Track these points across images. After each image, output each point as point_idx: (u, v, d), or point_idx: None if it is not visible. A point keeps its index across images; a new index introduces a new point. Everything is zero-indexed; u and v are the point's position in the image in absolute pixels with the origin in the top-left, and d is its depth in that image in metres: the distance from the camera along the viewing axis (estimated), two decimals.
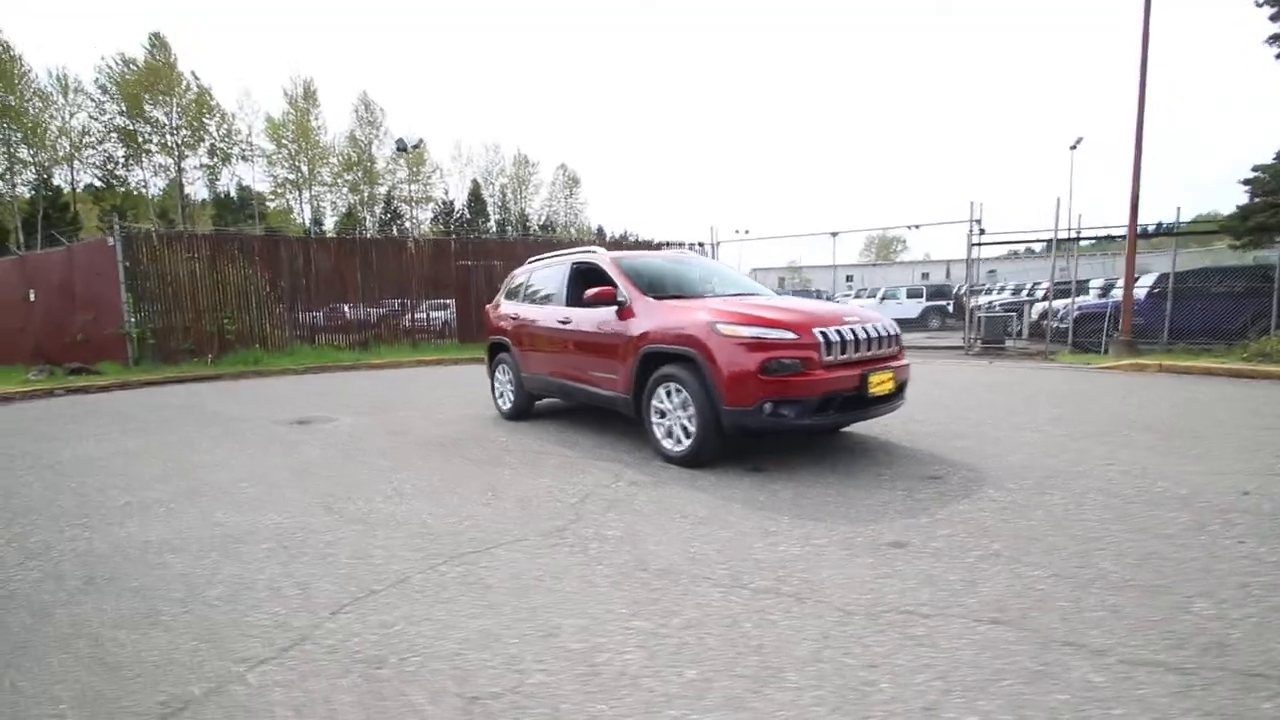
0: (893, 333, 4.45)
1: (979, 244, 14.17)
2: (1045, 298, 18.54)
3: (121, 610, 2.51)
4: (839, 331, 4.06)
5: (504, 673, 2.00)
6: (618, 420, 6.17)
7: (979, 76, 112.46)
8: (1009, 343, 14.30)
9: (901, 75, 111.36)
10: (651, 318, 4.63)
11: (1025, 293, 22.43)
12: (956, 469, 4.10)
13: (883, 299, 24.00)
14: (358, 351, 14.10)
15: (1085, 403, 6.70)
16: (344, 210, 52.85)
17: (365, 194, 53.32)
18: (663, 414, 4.52)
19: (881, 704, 1.77)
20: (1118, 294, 14.18)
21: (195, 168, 46.38)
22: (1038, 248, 22.15)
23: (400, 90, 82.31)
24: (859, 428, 5.37)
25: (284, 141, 47.81)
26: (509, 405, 6.50)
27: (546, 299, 6.02)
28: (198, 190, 49.13)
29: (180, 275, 12.40)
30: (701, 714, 1.77)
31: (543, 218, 65.39)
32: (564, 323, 5.56)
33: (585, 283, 5.77)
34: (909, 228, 15.21)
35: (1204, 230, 13.64)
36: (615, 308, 4.96)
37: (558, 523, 3.36)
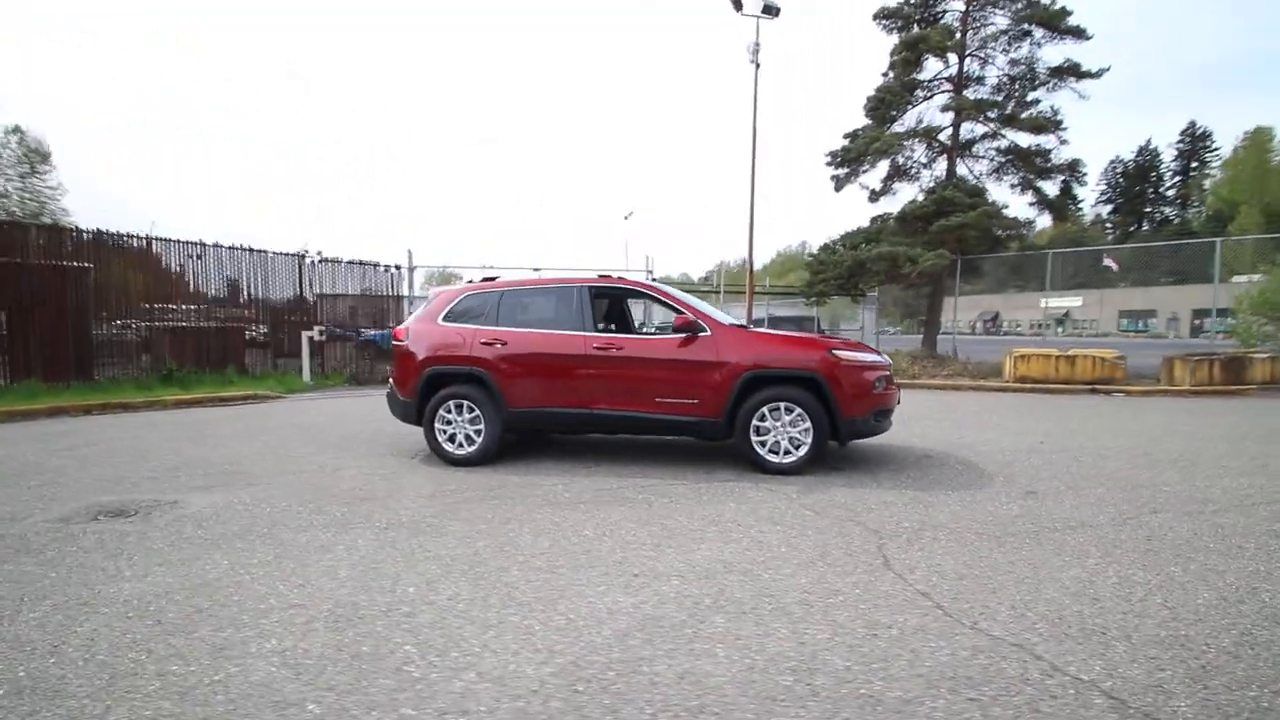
0: None
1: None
2: None
3: None
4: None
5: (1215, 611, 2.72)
6: (598, 446, 6.01)
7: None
8: None
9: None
10: (747, 345, 5.09)
11: None
12: (929, 452, 6.00)
13: None
14: None
15: None
16: None
17: None
18: (758, 431, 5.04)
19: (1184, 554, 3.30)
20: None
21: None
22: None
23: None
24: None
25: None
26: (471, 448, 5.48)
27: (555, 323, 5.45)
28: None
29: None
30: (1238, 565, 2.96)
31: None
32: (605, 349, 5.26)
33: (602, 309, 5.62)
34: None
35: (789, 291, 20.45)
36: (685, 335, 5.16)
37: (873, 525, 3.74)
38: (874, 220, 16.26)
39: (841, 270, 15.37)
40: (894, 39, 16.39)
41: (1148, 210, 78.42)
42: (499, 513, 4.14)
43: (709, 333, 5.16)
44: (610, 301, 6.18)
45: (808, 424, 4.95)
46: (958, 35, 15.35)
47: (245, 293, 12.89)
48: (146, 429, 7.53)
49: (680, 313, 5.23)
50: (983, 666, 2.25)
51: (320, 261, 14.11)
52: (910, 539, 3.56)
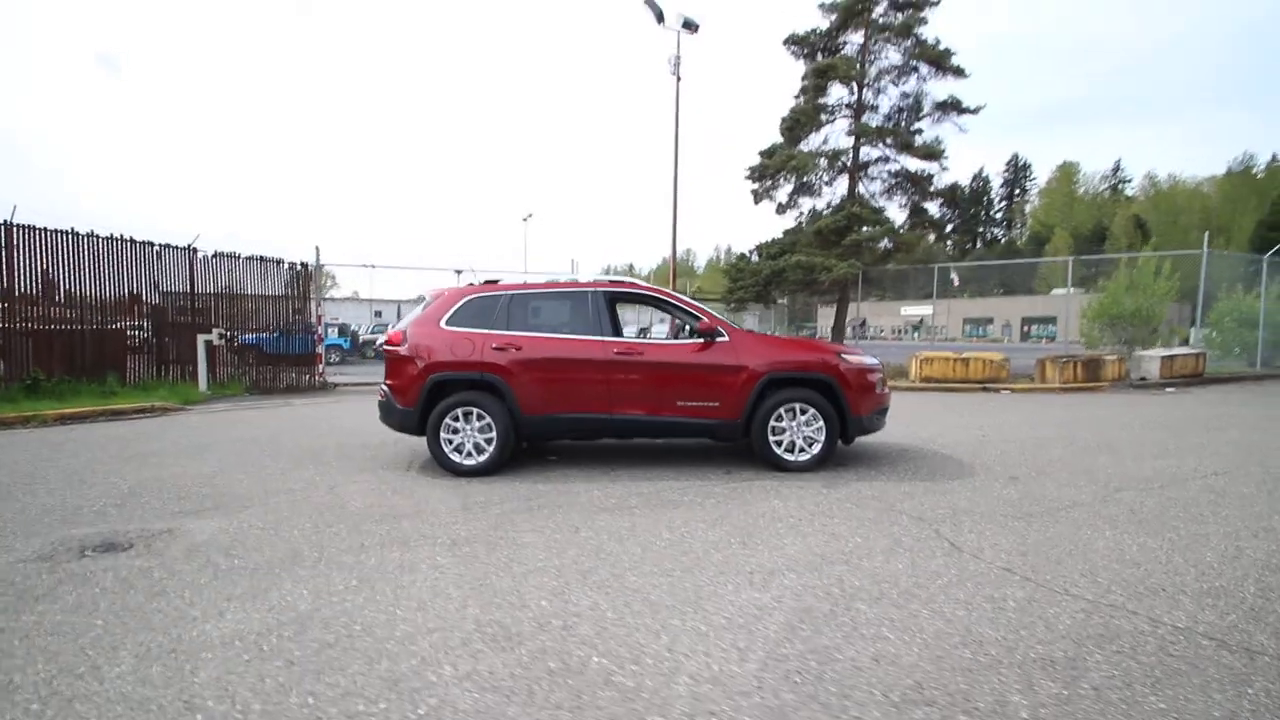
0: None
1: None
2: None
3: None
4: None
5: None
6: (604, 452, 6.01)
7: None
8: None
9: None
10: (765, 350, 5.35)
11: None
12: (904, 447, 6.59)
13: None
14: None
15: None
16: None
17: None
18: (774, 431, 5.31)
19: (1168, 524, 4.02)
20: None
21: None
22: None
23: None
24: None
25: None
26: (481, 458, 5.28)
27: (571, 327, 5.38)
28: None
29: None
30: (1212, 529, 3.62)
31: None
32: (626, 354, 5.28)
33: (615, 312, 5.65)
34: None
35: (713, 298, 21.11)
36: (705, 340, 5.32)
37: (913, 513, 4.10)
38: (787, 233, 17.39)
39: (760, 279, 16.27)
40: (800, 64, 17.66)
41: (980, 230, 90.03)
42: (560, 521, 4.06)
43: (727, 338, 5.36)
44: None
45: (821, 423, 5.30)
46: (858, 66, 16.84)
47: (129, 290, 11.25)
48: (53, 451, 6.40)
49: (699, 319, 5.40)
50: (1102, 624, 2.63)
51: (215, 257, 12.63)
52: (954, 524, 3.98)
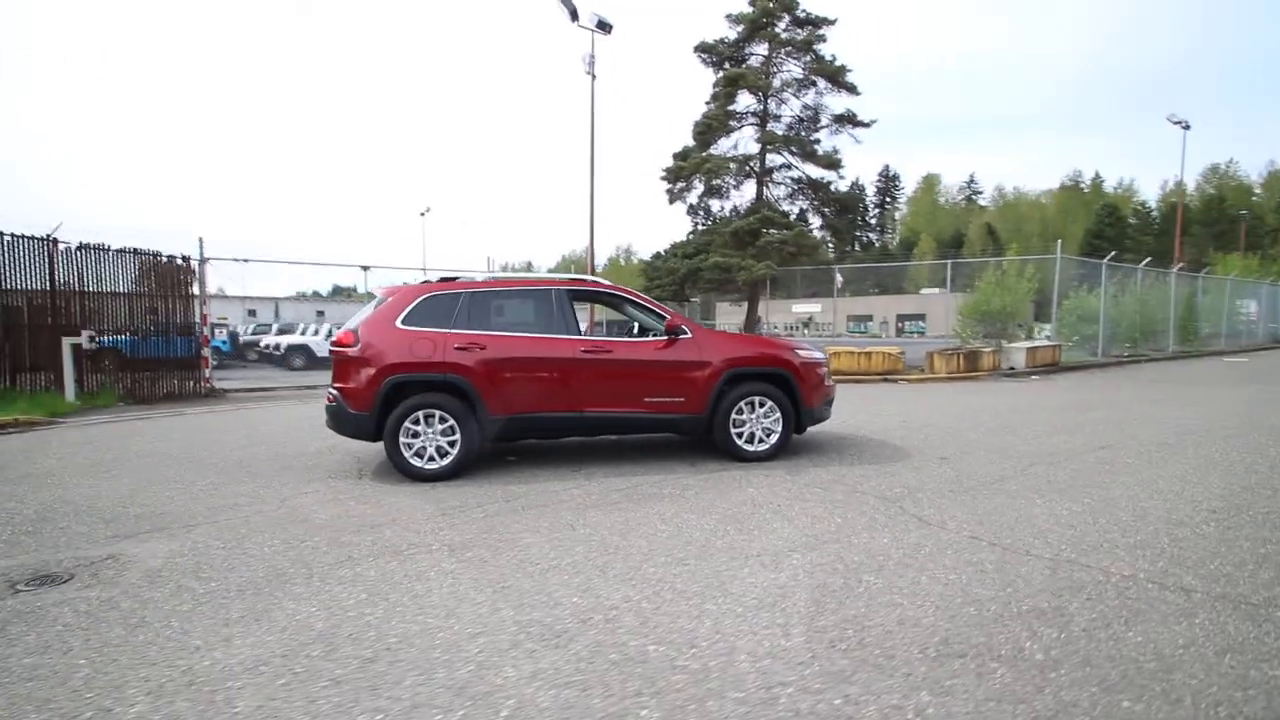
0: None
1: None
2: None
3: None
4: None
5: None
6: (567, 450, 6.01)
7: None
8: None
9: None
10: (726, 346, 5.57)
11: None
12: (841, 436, 7.07)
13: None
14: None
15: None
16: None
17: None
18: (735, 424, 5.56)
19: (1082, 490, 4.70)
20: None
21: None
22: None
23: None
24: None
25: None
26: (444, 461, 5.11)
27: (535, 326, 5.31)
28: None
29: None
30: (1116, 495, 4.26)
31: None
32: (593, 351, 5.30)
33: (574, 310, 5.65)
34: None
35: None
36: (669, 337, 5.46)
37: (875, 493, 4.46)
38: (702, 233, 17.97)
39: (676, 278, 16.69)
40: (709, 72, 18.29)
41: (857, 234, 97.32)
42: (552, 520, 4.04)
43: (690, 335, 5.54)
44: None
45: (778, 415, 5.61)
46: (764, 77, 17.71)
47: None
48: None
49: (664, 317, 5.53)
50: (1067, 577, 3.05)
51: (79, 249, 11.09)
52: (913, 500, 4.39)
